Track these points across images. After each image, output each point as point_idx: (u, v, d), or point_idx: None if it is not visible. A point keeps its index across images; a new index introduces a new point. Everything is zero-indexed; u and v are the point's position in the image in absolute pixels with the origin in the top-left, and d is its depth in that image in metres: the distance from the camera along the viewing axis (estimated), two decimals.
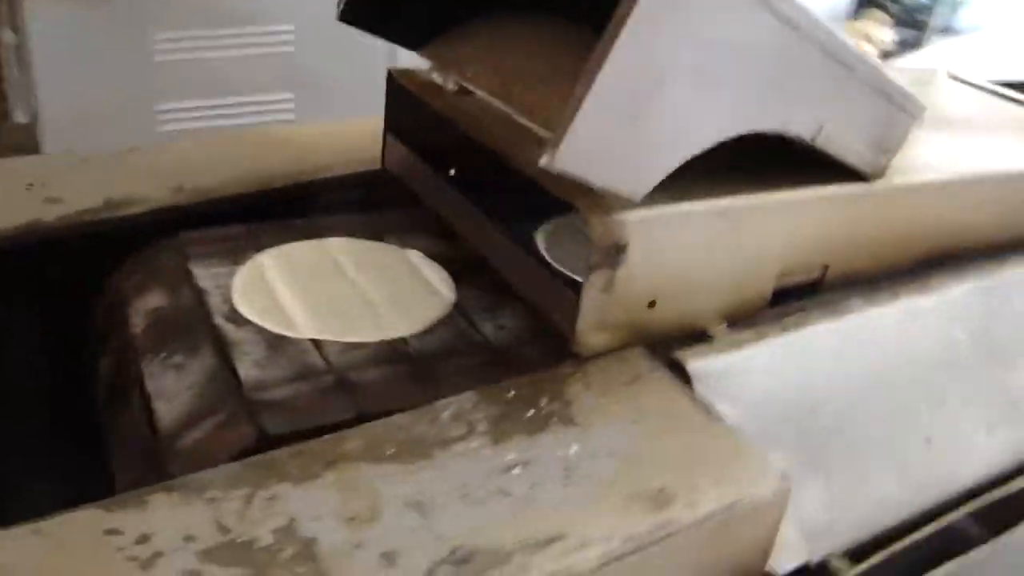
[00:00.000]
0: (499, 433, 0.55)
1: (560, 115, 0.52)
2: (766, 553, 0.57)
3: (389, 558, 0.45)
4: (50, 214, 0.76)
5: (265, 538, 0.46)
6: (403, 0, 0.77)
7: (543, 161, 0.51)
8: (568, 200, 0.60)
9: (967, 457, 0.72)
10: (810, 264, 0.73)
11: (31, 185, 0.79)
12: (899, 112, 0.69)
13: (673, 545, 0.50)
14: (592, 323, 0.61)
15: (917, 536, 0.66)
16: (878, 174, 0.72)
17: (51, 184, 0.80)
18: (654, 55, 0.52)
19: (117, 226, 0.77)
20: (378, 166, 0.89)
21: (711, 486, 0.53)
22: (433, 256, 0.77)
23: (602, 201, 0.59)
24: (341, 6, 0.76)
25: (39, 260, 0.74)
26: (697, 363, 0.63)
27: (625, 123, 0.53)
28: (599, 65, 0.49)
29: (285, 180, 0.86)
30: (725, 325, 0.69)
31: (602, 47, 0.50)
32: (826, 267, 0.74)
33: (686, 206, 0.62)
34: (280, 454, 0.52)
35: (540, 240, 0.77)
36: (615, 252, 0.59)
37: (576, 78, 0.51)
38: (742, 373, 0.65)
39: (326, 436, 0.53)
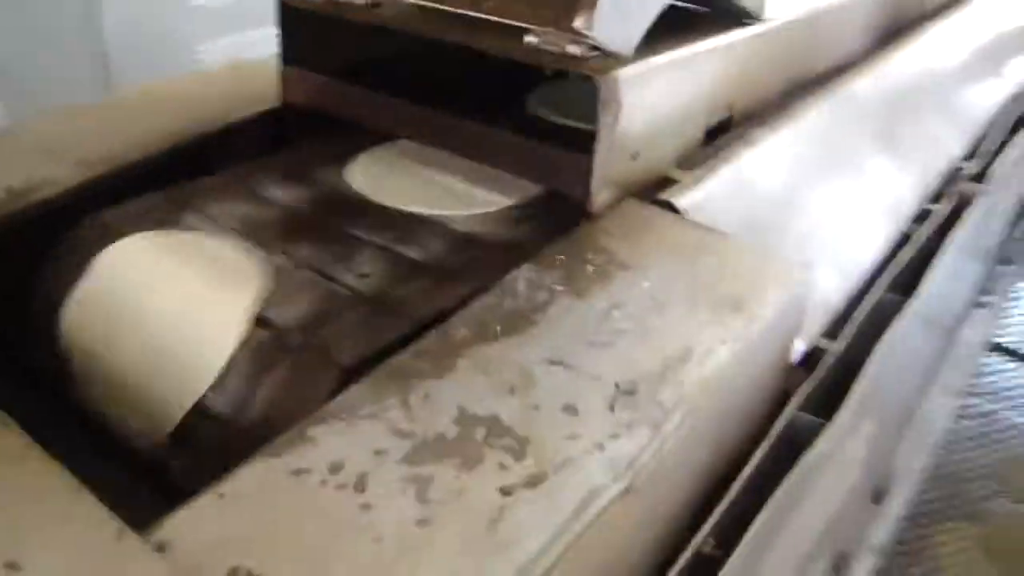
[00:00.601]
0: (578, 289, 0.58)
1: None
2: (793, 340, 0.67)
3: (569, 409, 0.48)
4: None
5: (450, 429, 0.47)
6: None
7: (578, 23, 0.54)
8: (559, 68, 0.64)
9: (874, 239, 0.87)
10: (726, 104, 0.82)
11: None
12: None
13: (761, 336, 0.57)
14: (602, 181, 0.66)
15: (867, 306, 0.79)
16: (759, 15, 0.82)
17: None
18: None
19: (31, 215, 0.68)
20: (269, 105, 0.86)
21: (765, 287, 0.61)
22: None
23: (591, 65, 0.63)
24: None
25: None
26: (681, 200, 0.70)
27: None
28: None
29: (183, 136, 0.80)
30: (677, 168, 0.77)
31: None
32: (732, 106, 0.84)
33: (654, 60, 0.68)
34: (402, 360, 0.52)
35: (542, 111, 0.78)
36: (618, 109, 0.63)
37: None
38: (710, 201, 0.73)
39: (433, 333, 0.54)
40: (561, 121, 0.78)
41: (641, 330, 0.55)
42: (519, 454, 0.45)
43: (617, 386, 0.50)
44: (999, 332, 1.78)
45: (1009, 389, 1.69)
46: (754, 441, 0.61)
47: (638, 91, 0.66)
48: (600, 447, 0.46)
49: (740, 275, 0.61)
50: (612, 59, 0.64)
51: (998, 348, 1.77)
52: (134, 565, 0.38)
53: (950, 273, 0.97)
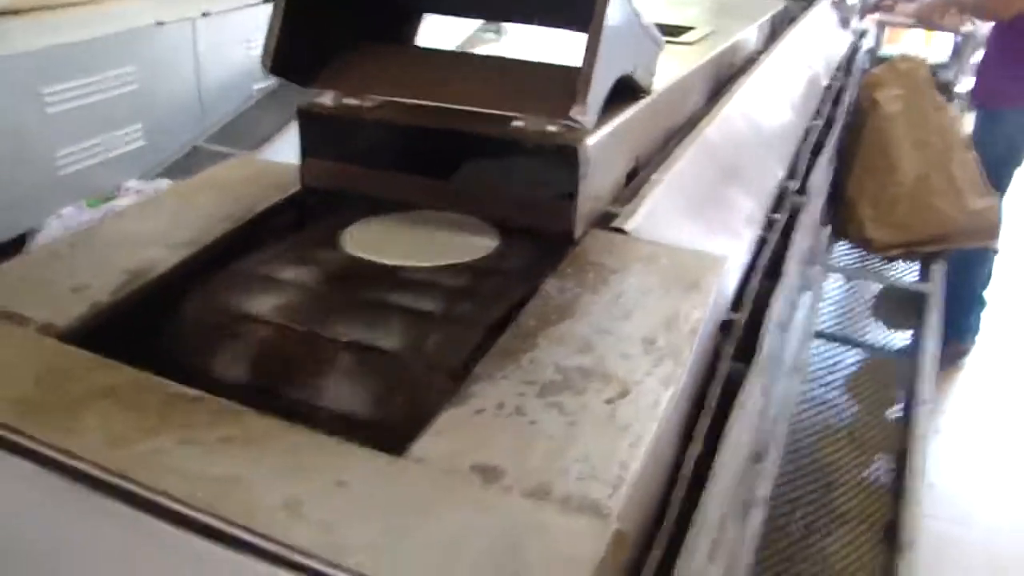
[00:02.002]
0: (591, 289, 0.86)
1: (555, 92, 0.83)
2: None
3: (623, 355, 0.75)
4: (100, 294, 0.83)
5: (556, 376, 0.72)
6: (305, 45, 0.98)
7: (574, 111, 0.82)
8: (542, 144, 0.92)
9: (745, 240, 1.21)
10: (636, 155, 1.14)
11: None
12: (657, 49, 1.12)
13: (714, 302, 0.87)
14: (580, 217, 0.94)
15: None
16: (649, 90, 1.15)
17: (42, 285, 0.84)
18: (611, 49, 0.86)
19: (157, 287, 0.87)
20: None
21: (706, 273, 0.91)
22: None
23: (567, 137, 0.92)
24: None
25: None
26: (628, 225, 1.00)
27: (603, 80, 0.86)
28: (594, 55, 0.82)
29: (237, 220, 1.01)
30: (615, 203, 1.07)
31: (590, 46, 0.83)
32: (638, 157, 1.16)
33: (603, 130, 0.97)
34: (503, 344, 0.76)
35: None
36: (588, 165, 0.92)
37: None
38: (644, 224, 1.03)
39: (511, 327, 0.79)
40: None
41: (642, 307, 0.83)
42: (606, 382, 0.71)
43: (643, 339, 0.78)
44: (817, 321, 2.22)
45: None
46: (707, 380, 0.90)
47: (598, 152, 0.95)
48: (649, 373, 0.73)
49: (689, 268, 0.91)
50: (578, 131, 0.93)
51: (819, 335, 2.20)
52: (408, 474, 0.61)
53: (795, 269, 1.33)
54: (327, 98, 1.04)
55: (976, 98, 2.76)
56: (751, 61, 1.87)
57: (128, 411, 0.65)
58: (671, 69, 1.34)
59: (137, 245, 0.92)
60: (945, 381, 2.66)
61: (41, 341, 0.74)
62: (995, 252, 2.48)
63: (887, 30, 3.56)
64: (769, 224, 1.33)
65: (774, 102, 1.74)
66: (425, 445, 0.63)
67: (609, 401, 0.69)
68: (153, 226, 0.96)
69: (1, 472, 0.60)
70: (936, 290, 2.31)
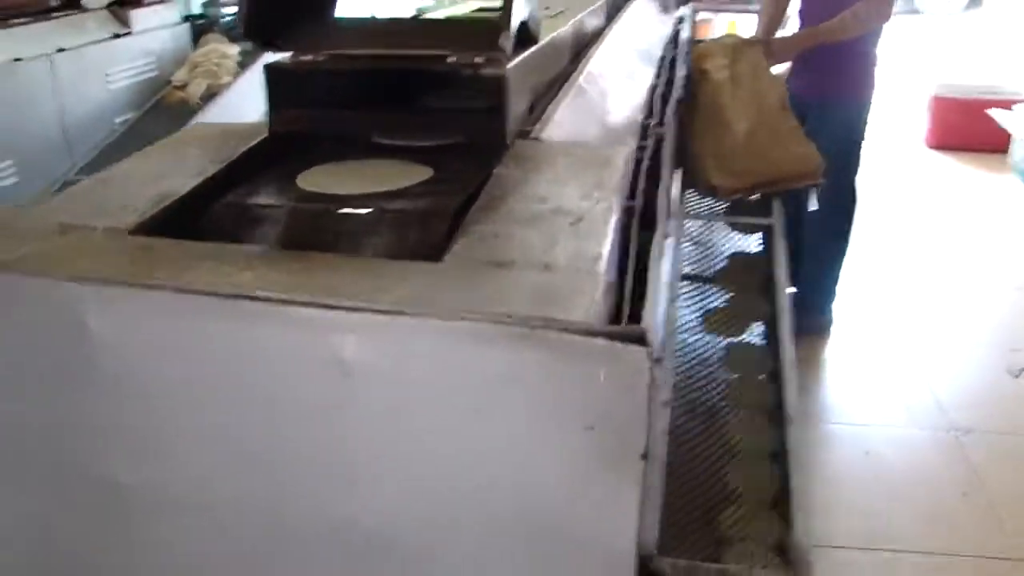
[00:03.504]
0: (533, 171, 1.12)
1: (474, 38, 1.10)
2: None
3: (573, 203, 1.02)
4: (143, 207, 1.01)
5: (531, 216, 0.98)
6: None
7: (502, 38, 1.09)
8: (474, 74, 1.18)
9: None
10: (536, 86, 1.41)
11: None
12: (537, 6, 1.41)
13: (622, 176, 1.15)
14: (510, 129, 1.21)
15: None
16: (536, 40, 1.43)
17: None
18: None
19: (181, 202, 1.06)
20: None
21: (614, 156, 1.19)
22: None
23: (489, 67, 1.18)
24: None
25: None
26: (544, 136, 1.27)
27: (516, 16, 1.13)
28: None
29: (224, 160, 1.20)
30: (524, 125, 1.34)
31: None
32: (536, 88, 1.44)
33: (514, 61, 1.24)
34: (482, 201, 1.01)
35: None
36: (511, 86, 1.19)
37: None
38: (556, 136, 1.31)
39: (482, 194, 1.04)
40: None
41: (575, 177, 1.10)
42: (567, 215, 0.97)
43: (582, 194, 1.05)
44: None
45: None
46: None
47: (515, 77, 1.22)
48: (593, 209, 1.00)
49: (600, 155, 1.20)
50: (498, 64, 1.19)
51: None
52: (447, 269, 0.84)
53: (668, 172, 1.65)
54: (286, 58, 1.25)
55: (808, 93, 2.89)
56: (596, 35, 2.21)
57: (211, 260, 0.85)
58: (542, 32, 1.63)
59: (157, 179, 1.10)
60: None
61: (117, 236, 0.93)
62: (818, 187, 2.92)
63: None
64: (641, 147, 1.64)
65: (624, 63, 2.08)
66: (453, 254, 0.88)
67: (572, 224, 0.95)
68: (161, 167, 1.15)
69: (147, 302, 0.79)
70: (778, 221, 2.75)
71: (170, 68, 3.47)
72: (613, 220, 0.97)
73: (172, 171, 1.13)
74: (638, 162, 1.55)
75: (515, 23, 1.18)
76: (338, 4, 1.39)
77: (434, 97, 1.27)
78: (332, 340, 0.75)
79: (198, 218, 1.03)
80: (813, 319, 3.15)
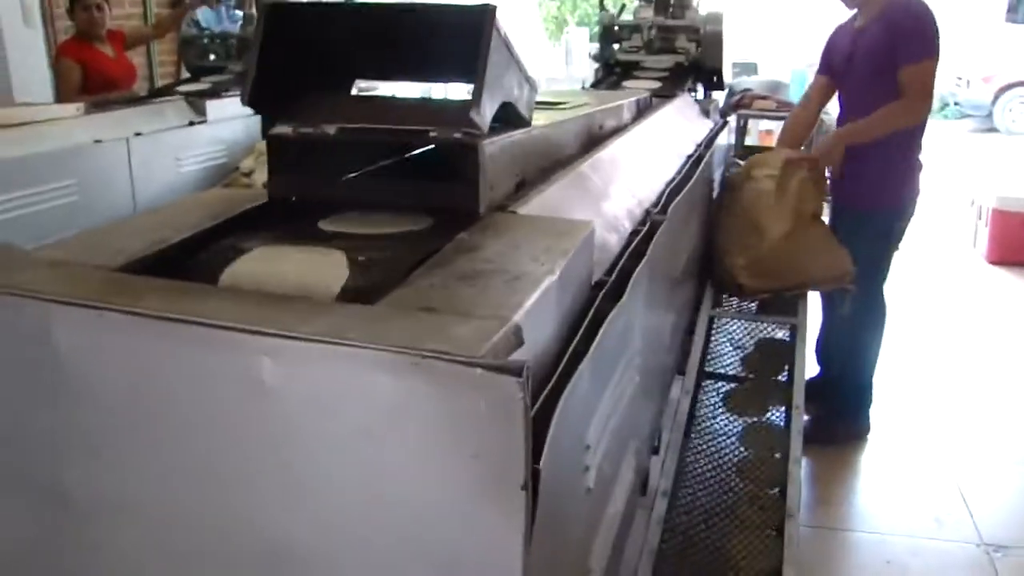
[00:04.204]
0: (492, 237, 1.19)
1: (457, 115, 1.20)
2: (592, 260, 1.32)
3: (532, 258, 1.08)
4: (133, 251, 1.12)
5: (474, 272, 1.05)
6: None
7: (472, 112, 1.19)
8: (453, 145, 1.27)
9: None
10: (522, 171, 1.51)
11: None
12: (532, 91, 1.51)
13: (583, 242, 1.22)
14: (483, 197, 1.29)
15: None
16: (529, 124, 1.53)
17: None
18: (496, 74, 1.24)
19: (170, 249, 1.17)
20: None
21: (577, 226, 1.26)
22: None
23: (469, 141, 1.28)
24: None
25: None
26: (520, 210, 1.35)
27: (492, 96, 1.24)
28: (483, 75, 1.20)
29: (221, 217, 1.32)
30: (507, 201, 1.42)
31: (479, 69, 1.20)
32: (523, 173, 1.53)
33: (493, 138, 1.34)
34: (434, 260, 1.09)
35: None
36: (486, 158, 1.28)
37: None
38: (534, 211, 1.39)
39: (440, 253, 1.12)
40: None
41: (529, 242, 1.17)
42: (504, 274, 1.04)
43: (530, 257, 1.11)
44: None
45: None
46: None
47: (492, 150, 1.31)
48: (534, 269, 1.06)
49: (563, 225, 1.27)
50: (477, 138, 1.29)
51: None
52: (378, 312, 0.92)
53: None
54: (287, 129, 1.38)
55: (849, 200, 2.93)
56: (620, 130, 2.32)
57: (174, 293, 0.94)
58: (549, 117, 1.74)
59: (153, 230, 1.22)
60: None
61: (100, 272, 1.03)
62: (848, 292, 2.91)
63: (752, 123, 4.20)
64: (636, 232, 1.71)
65: (643, 156, 2.17)
66: (388, 299, 0.95)
67: (507, 281, 1.02)
68: (164, 221, 1.27)
69: (102, 321, 0.88)
70: (803, 320, 2.76)
71: (239, 156, 3.72)
72: (549, 280, 1.03)
73: (172, 224, 1.25)
74: (628, 245, 1.62)
75: (491, 103, 1.28)
76: (355, 85, 1.54)
77: (418, 169, 1.38)
78: (251, 362, 0.82)
79: (182, 263, 1.14)
80: (849, 426, 3.08)
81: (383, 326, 0.85)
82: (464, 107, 1.25)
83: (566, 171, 1.69)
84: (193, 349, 0.85)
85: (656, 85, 3.49)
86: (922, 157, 2.86)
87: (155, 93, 4.11)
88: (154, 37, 4.91)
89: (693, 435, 2.37)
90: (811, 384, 2.70)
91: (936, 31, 2.67)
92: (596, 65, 4.04)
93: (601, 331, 1.15)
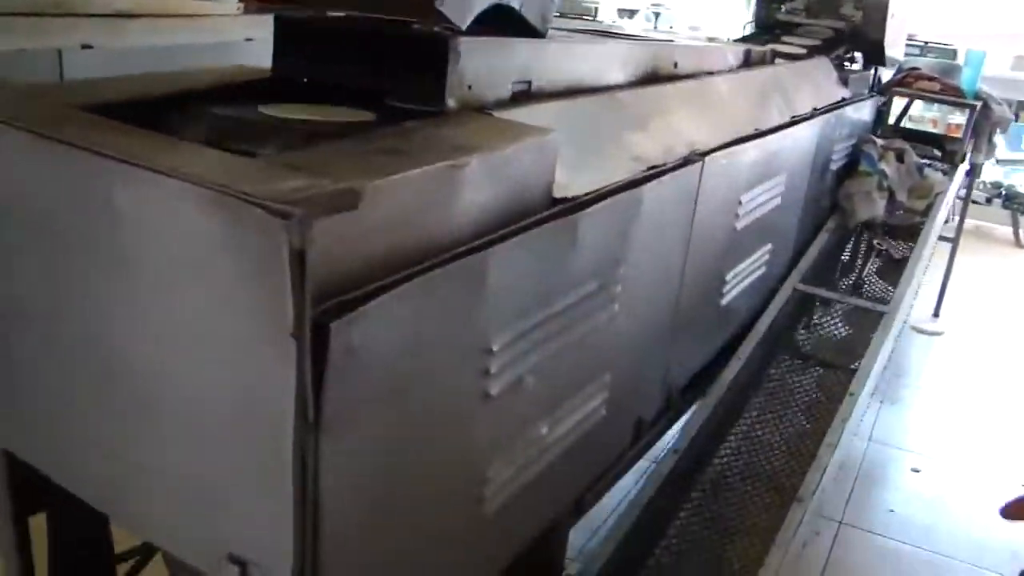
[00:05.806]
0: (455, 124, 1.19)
1: None
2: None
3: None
4: None
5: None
6: None
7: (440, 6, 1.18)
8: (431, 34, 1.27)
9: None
10: (526, 77, 1.48)
11: None
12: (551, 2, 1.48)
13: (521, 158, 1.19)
14: (451, 92, 1.29)
15: None
16: (544, 34, 1.49)
17: None
18: None
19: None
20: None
21: (533, 130, 1.23)
22: None
23: (444, 33, 1.27)
24: None
25: None
26: (505, 116, 1.34)
27: None
28: None
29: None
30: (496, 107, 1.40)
31: None
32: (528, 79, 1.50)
33: (476, 37, 1.32)
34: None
35: None
36: (458, 53, 1.27)
37: None
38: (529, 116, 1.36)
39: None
40: None
41: (467, 141, 1.16)
42: (410, 158, 1.04)
43: (455, 148, 1.10)
44: None
45: None
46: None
47: (470, 48, 1.30)
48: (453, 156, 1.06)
49: (519, 132, 1.24)
50: (456, 34, 1.28)
51: None
52: None
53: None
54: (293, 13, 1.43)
55: None
56: (698, 75, 2.20)
57: (112, 132, 1.02)
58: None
59: (147, 86, 1.31)
60: None
61: (68, 108, 1.13)
62: None
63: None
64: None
65: (710, 101, 2.06)
66: (267, 158, 0.98)
67: (405, 160, 1.02)
68: (163, 82, 1.36)
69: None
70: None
71: None
72: (443, 164, 1.02)
73: (168, 84, 1.34)
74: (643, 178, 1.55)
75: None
76: None
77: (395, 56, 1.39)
78: (109, 189, 0.89)
79: (152, 115, 1.22)
80: None
81: (222, 169, 0.88)
82: None
83: (597, 95, 1.64)
84: (74, 171, 0.93)
85: (801, 51, 3.28)
86: None
87: None
88: None
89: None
90: None
91: None
92: (748, 21, 3.86)
93: (528, 233, 1.13)
